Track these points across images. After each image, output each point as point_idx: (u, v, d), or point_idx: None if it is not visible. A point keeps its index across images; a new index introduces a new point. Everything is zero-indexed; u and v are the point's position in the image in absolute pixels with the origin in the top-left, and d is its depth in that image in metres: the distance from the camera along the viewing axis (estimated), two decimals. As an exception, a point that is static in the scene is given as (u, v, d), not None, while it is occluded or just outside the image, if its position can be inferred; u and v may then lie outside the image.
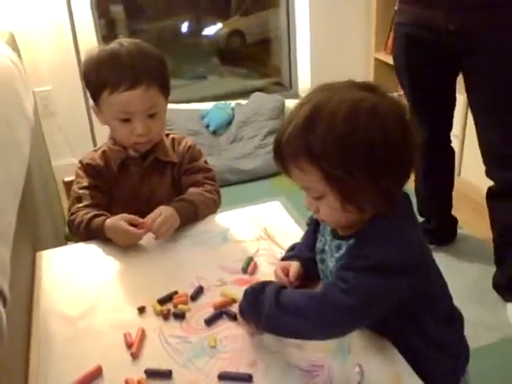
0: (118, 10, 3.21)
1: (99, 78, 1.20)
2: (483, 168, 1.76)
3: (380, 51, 3.00)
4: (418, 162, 0.82)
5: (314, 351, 0.87)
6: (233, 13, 3.61)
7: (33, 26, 2.53)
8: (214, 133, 2.95)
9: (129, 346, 0.92)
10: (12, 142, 1.15)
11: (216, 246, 1.19)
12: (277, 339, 0.89)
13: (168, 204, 1.23)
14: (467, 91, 1.73)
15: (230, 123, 3.00)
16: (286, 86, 3.46)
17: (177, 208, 1.22)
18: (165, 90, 1.25)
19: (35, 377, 0.89)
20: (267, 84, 3.52)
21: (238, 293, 1.00)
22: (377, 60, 3.02)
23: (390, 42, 2.68)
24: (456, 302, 0.96)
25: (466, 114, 2.28)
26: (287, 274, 0.99)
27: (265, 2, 3.48)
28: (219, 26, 3.56)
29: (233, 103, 3.08)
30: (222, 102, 3.09)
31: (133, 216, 1.19)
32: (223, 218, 1.30)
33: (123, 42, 1.24)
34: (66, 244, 1.66)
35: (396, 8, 2.06)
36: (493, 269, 1.90)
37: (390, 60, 1.93)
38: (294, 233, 1.20)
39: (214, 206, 1.32)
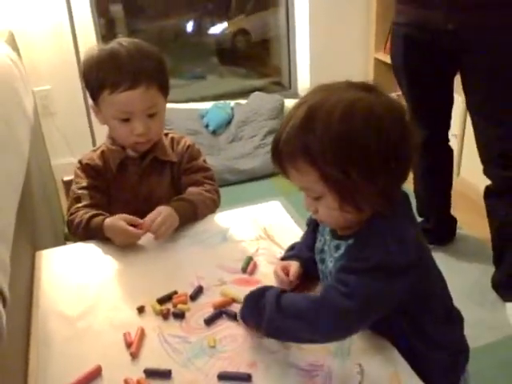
0: (117, 10, 3.21)
1: (99, 77, 1.20)
2: (482, 168, 1.77)
3: (380, 51, 3.00)
4: (416, 161, 0.82)
5: (314, 351, 0.87)
6: (232, 13, 3.61)
7: (32, 25, 2.53)
8: (214, 132, 2.95)
9: (128, 345, 0.92)
10: (12, 141, 1.15)
11: (215, 246, 1.19)
12: (276, 339, 0.89)
13: (167, 204, 1.23)
14: (465, 90, 1.73)
15: (229, 123, 3.00)
16: (285, 85, 3.46)
17: (176, 208, 1.22)
18: (164, 90, 1.25)
19: (34, 376, 0.88)
20: (267, 84, 3.52)
21: (238, 292, 1.00)
22: (376, 60, 3.02)
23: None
24: (455, 302, 0.96)
25: (465, 113, 2.28)
26: (287, 274, 0.99)
27: (266, 1, 3.48)
28: (219, 25, 3.56)
29: (232, 103, 3.08)
30: (222, 101, 3.09)
31: (132, 217, 1.19)
32: (222, 218, 1.30)
33: (122, 41, 1.23)
34: (65, 244, 1.66)
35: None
36: (492, 269, 1.90)
37: (389, 60, 1.93)
38: (294, 232, 1.20)
39: (213, 206, 1.32)
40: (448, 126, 1.96)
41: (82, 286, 1.09)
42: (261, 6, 3.55)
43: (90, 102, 1.28)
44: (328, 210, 0.83)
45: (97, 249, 1.21)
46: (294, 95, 3.26)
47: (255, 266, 1.11)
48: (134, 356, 0.89)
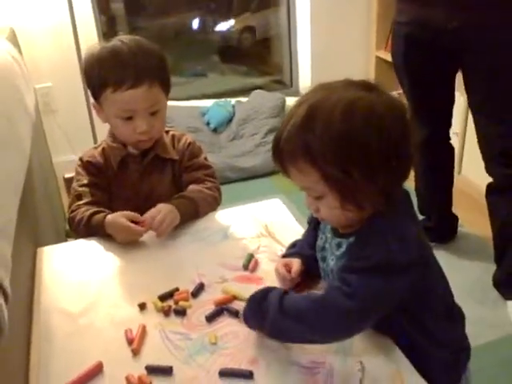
0: (118, 7, 3.22)
1: (101, 76, 1.19)
2: (484, 166, 1.77)
3: (381, 49, 2.99)
4: (418, 159, 0.82)
5: (315, 348, 0.87)
6: (235, 11, 3.60)
7: (33, 22, 2.53)
8: (215, 130, 2.95)
9: (129, 342, 0.92)
10: (13, 137, 1.15)
11: (217, 243, 1.19)
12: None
13: (168, 201, 1.23)
14: (466, 89, 1.73)
15: (230, 121, 3.00)
16: (286, 83, 3.45)
17: (177, 205, 1.22)
18: (166, 87, 1.25)
19: (36, 372, 0.88)
20: (268, 82, 3.51)
21: (239, 290, 1.00)
22: (378, 58, 3.02)
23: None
24: (457, 300, 0.96)
25: (467, 112, 2.28)
26: (289, 271, 0.99)
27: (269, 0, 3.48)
28: (225, 22, 3.56)
29: (233, 101, 3.08)
30: (223, 99, 3.09)
31: (133, 213, 1.19)
32: (224, 216, 1.30)
33: (123, 39, 1.23)
34: (67, 240, 1.66)
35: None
36: (493, 267, 1.90)
37: (390, 58, 1.93)
38: (295, 230, 1.20)
39: (214, 203, 1.32)
40: (449, 125, 1.96)
41: (84, 283, 1.09)
42: (264, 4, 3.54)
43: (92, 100, 1.28)
44: (329, 209, 0.83)
45: (98, 246, 1.21)
46: (295, 93, 3.25)
47: (256, 263, 1.11)
48: (136, 352, 0.89)
